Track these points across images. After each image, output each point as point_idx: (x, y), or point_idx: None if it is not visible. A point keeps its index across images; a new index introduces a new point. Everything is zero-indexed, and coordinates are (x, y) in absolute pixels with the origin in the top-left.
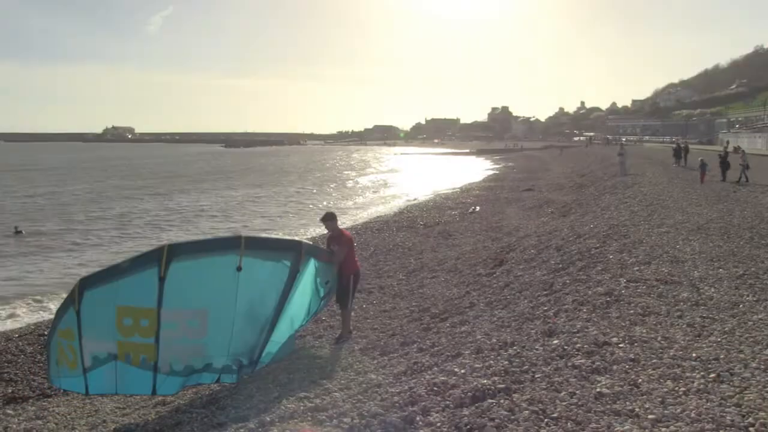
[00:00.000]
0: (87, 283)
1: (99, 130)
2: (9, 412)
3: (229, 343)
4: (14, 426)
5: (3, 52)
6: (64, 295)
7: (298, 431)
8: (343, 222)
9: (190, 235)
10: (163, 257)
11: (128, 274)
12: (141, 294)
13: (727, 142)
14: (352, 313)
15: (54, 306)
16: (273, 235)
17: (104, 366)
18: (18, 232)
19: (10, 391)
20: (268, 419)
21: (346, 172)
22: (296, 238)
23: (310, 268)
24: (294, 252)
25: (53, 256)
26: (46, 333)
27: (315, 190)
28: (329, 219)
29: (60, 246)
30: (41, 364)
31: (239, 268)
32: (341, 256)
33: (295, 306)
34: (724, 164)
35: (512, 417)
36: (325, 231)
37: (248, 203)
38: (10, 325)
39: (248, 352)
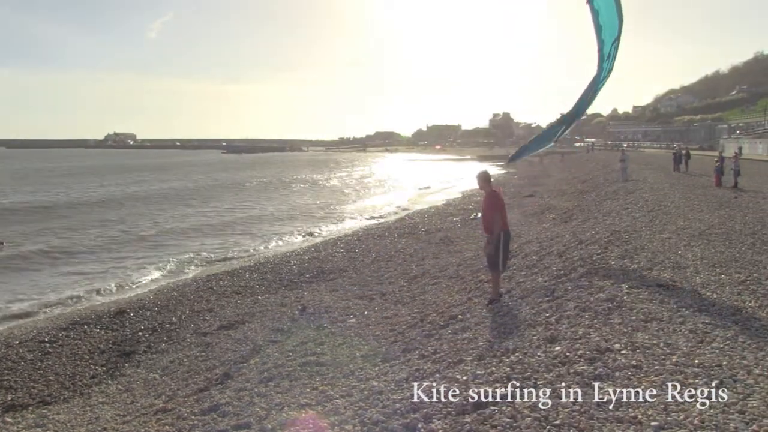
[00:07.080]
0: None
1: (101, 136)
2: (8, 419)
3: None
4: None
5: (4, 60)
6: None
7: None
8: (343, 226)
9: None
10: None
11: None
12: None
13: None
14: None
15: (58, 311)
16: None
17: None
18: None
19: (9, 398)
20: (270, 426)
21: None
22: None
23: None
24: None
25: (41, 265)
26: (46, 340)
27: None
28: (484, 179)
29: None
30: (41, 371)
31: None
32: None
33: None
34: (721, 169)
35: (514, 424)
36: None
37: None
38: (9, 331)
39: None
